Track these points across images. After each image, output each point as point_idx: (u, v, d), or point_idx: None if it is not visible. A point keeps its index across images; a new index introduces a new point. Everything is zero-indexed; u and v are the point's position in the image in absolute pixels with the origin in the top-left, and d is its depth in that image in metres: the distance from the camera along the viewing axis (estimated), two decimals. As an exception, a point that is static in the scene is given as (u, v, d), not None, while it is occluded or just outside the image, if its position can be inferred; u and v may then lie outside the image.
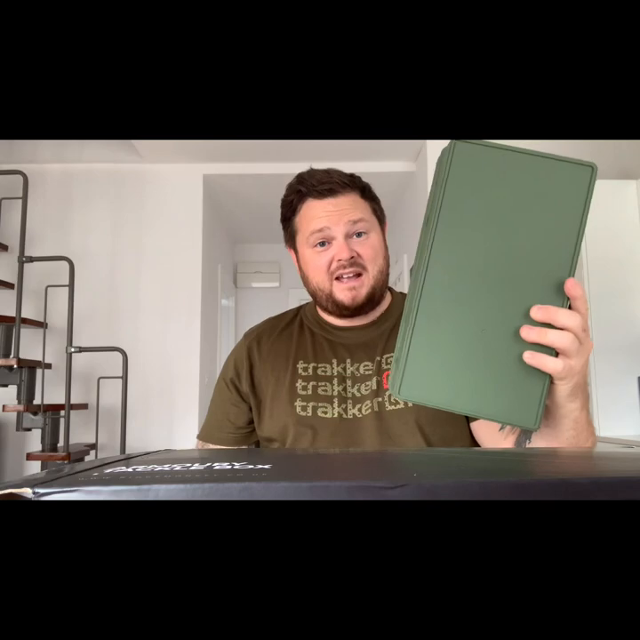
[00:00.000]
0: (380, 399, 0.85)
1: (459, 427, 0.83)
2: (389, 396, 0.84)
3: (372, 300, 0.88)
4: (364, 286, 0.86)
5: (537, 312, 0.48)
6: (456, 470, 0.27)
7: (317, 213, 0.86)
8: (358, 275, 0.86)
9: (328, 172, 0.88)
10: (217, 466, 0.26)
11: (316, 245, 0.87)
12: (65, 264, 3.03)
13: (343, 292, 0.86)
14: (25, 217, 3.03)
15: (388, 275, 0.91)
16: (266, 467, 0.25)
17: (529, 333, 0.48)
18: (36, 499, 0.22)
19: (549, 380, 0.51)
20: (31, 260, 3.00)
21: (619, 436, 2.31)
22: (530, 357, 0.48)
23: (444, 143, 0.55)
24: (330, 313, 0.91)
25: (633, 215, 2.52)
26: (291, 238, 0.95)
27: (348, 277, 0.86)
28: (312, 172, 0.89)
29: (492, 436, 0.80)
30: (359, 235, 0.86)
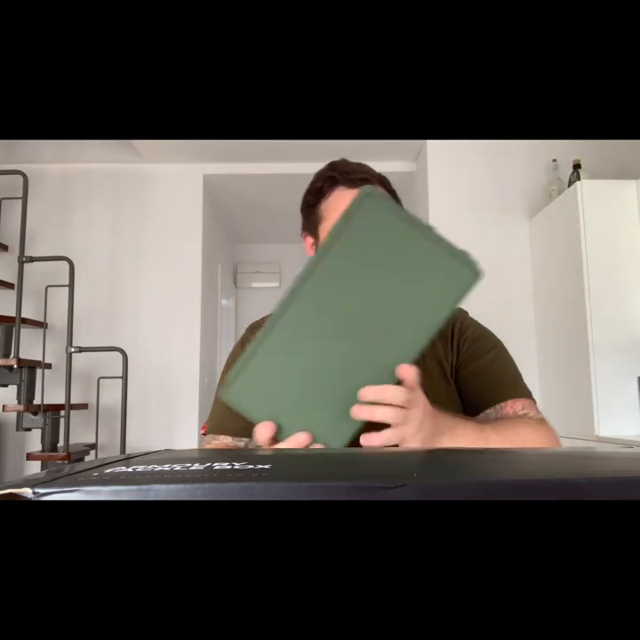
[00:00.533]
0: None
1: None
2: None
3: None
4: None
5: (366, 394, 0.53)
6: (456, 470, 0.27)
7: (348, 203, 0.84)
8: None
9: (360, 164, 0.89)
10: (217, 466, 0.26)
11: None
12: (65, 264, 3.03)
13: None
14: (25, 217, 3.03)
15: None
16: (266, 467, 0.25)
17: (359, 413, 0.53)
18: (35, 499, 0.22)
19: (358, 429, 0.55)
20: (31, 259, 3.00)
21: (619, 436, 2.31)
22: (358, 411, 0.54)
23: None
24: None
25: (633, 215, 2.52)
26: (312, 226, 0.92)
27: None
28: (345, 162, 0.89)
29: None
30: None
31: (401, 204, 0.93)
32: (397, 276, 0.54)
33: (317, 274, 0.54)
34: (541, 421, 0.78)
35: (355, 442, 0.57)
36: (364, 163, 0.93)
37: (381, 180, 0.89)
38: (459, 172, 3.11)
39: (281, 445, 0.56)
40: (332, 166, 0.89)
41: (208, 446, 0.92)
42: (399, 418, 0.55)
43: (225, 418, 0.92)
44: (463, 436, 0.65)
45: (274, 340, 0.55)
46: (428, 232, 0.53)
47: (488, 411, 0.81)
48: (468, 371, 0.86)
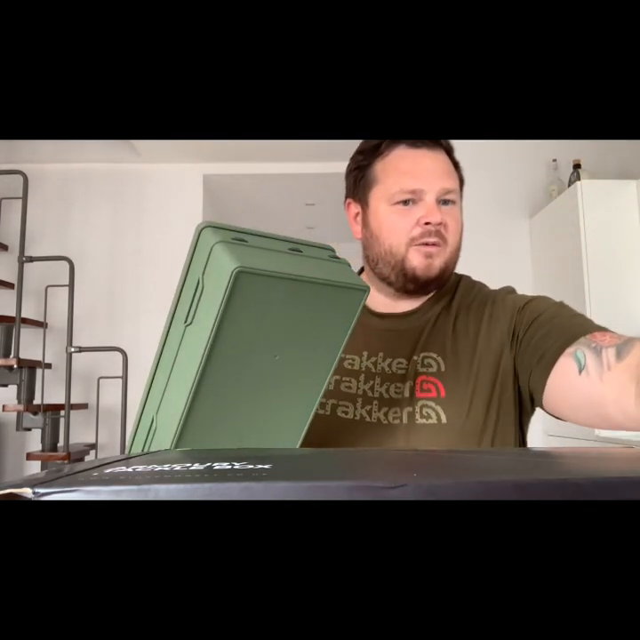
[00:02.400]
0: (410, 408, 0.74)
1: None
2: (422, 407, 0.74)
3: (441, 278, 0.77)
4: (440, 257, 0.75)
5: None
6: (456, 470, 0.27)
7: (412, 167, 0.75)
8: (437, 245, 0.75)
9: None
10: (217, 466, 0.26)
11: (398, 203, 0.75)
12: (65, 264, 3.03)
13: (419, 259, 0.74)
14: (25, 217, 3.03)
15: (458, 257, 0.80)
16: (266, 467, 0.25)
17: None
18: (36, 499, 0.22)
19: None
20: (31, 259, 3.01)
21: (619, 436, 2.31)
22: None
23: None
24: (390, 284, 0.79)
25: (633, 215, 2.52)
26: (362, 190, 0.80)
27: (428, 244, 0.74)
28: None
29: None
30: (446, 203, 0.76)
31: (461, 176, 0.82)
32: (290, 329, 0.54)
33: (214, 358, 0.52)
34: None
35: None
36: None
37: (445, 146, 0.80)
38: (459, 171, 3.10)
39: None
40: None
41: None
42: None
43: None
44: None
45: (190, 425, 0.54)
46: (302, 276, 0.52)
47: (577, 342, 0.66)
48: (527, 336, 0.73)
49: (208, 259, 0.51)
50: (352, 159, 0.83)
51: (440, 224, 0.74)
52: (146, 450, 0.55)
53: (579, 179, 2.66)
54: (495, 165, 3.12)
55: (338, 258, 0.59)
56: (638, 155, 2.91)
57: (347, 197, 0.84)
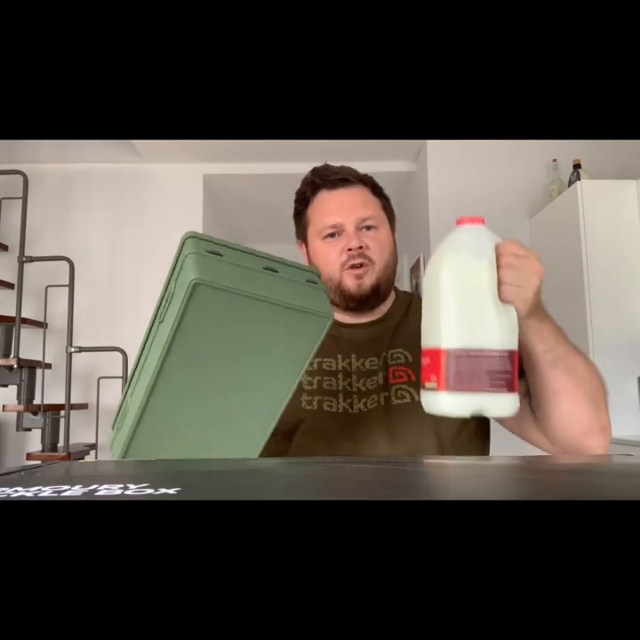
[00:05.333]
0: (386, 393, 0.85)
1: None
2: (396, 390, 0.85)
3: (377, 293, 0.89)
4: (368, 275, 0.88)
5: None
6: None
7: (330, 206, 0.89)
8: (365, 266, 0.88)
9: (342, 166, 0.93)
10: (104, 490, 0.24)
11: (326, 237, 0.89)
12: (65, 264, 3.03)
13: (351, 280, 0.87)
14: (25, 217, 3.02)
15: (394, 272, 0.92)
16: (171, 491, 0.23)
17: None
18: None
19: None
20: (31, 259, 3.00)
21: (619, 436, 2.31)
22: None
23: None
24: (336, 305, 0.91)
25: (633, 215, 2.52)
26: (302, 231, 0.95)
27: (355, 266, 0.87)
28: (326, 166, 0.93)
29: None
30: (368, 228, 0.89)
31: (388, 202, 0.95)
32: (247, 345, 0.56)
33: (166, 368, 0.55)
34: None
35: None
36: (360, 167, 0.96)
37: (362, 179, 0.92)
38: (459, 172, 3.10)
39: None
40: (314, 172, 0.93)
41: None
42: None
43: None
44: (546, 320, 0.70)
45: (146, 419, 0.57)
46: (264, 296, 0.54)
47: None
48: None
49: (181, 266, 0.55)
50: (294, 207, 0.97)
51: (361, 248, 0.87)
52: (116, 427, 0.60)
53: (579, 179, 2.66)
54: (495, 165, 3.12)
55: (316, 283, 0.61)
56: (638, 155, 2.91)
57: (297, 238, 0.99)
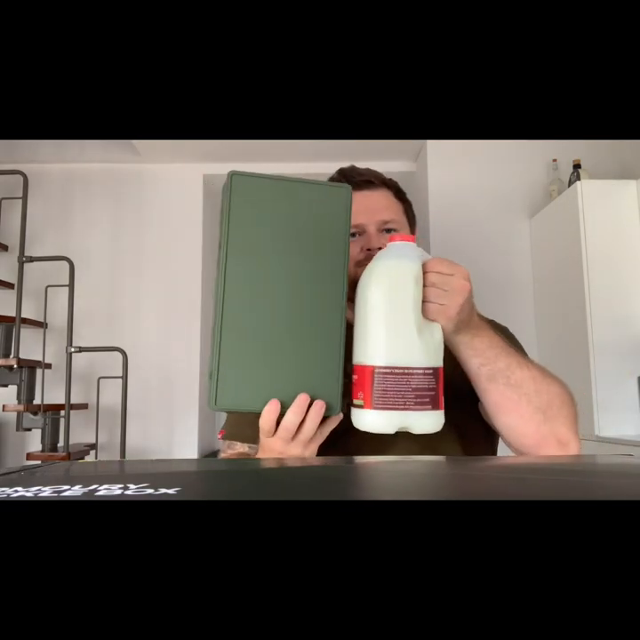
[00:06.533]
0: None
1: (466, 409, 0.83)
2: None
3: None
4: None
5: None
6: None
7: (354, 207, 0.90)
8: None
9: (367, 169, 0.95)
10: (103, 490, 0.24)
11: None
12: (65, 264, 3.03)
13: None
14: (25, 217, 3.02)
15: None
16: (171, 491, 0.23)
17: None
18: None
19: (342, 373, 0.62)
20: (31, 259, 3.00)
21: (618, 436, 2.31)
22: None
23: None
24: (352, 302, 0.92)
25: (633, 215, 2.52)
26: None
27: None
28: (352, 167, 0.95)
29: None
30: (389, 231, 0.90)
31: (410, 206, 0.98)
32: (295, 220, 0.62)
33: (231, 260, 0.61)
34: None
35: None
36: (370, 166, 0.98)
37: (385, 183, 0.94)
38: (459, 172, 3.10)
39: (287, 415, 0.60)
40: (340, 172, 0.95)
41: (224, 455, 0.91)
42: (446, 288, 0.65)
43: (239, 424, 0.91)
44: (480, 334, 0.70)
45: (226, 335, 0.60)
46: (294, 178, 0.62)
47: None
48: None
49: (226, 188, 0.62)
50: None
51: (380, 249, 0.89)
52: (210, 375, 0.61)
53: (579, 179, 2.66)
54: (495, 165, 3.12)
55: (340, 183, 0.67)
56: (638, 155, 2.91)
57: None
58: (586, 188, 2.54)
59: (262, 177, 0.61)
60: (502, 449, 0.85)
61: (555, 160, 3.04)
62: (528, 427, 0.71)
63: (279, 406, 0.60)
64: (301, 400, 0.60)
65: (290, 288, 0.61)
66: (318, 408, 0.61)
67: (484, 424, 0.85)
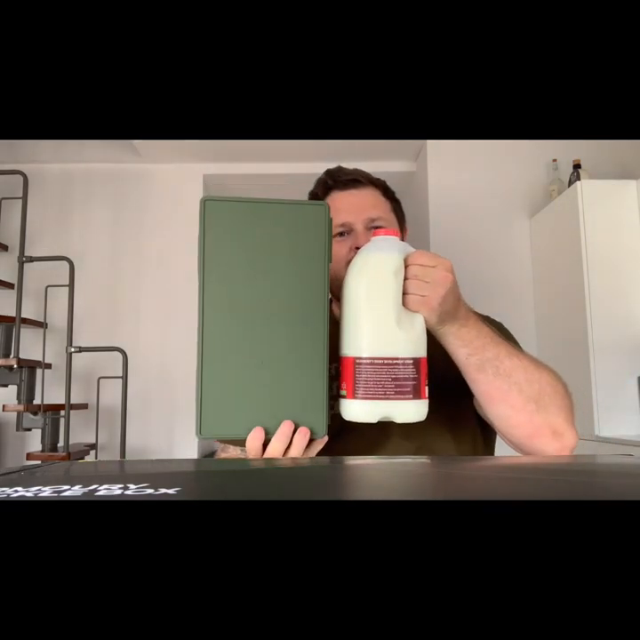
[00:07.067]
0: None
1: (461, 406, 0.84)
2: None
3: None
4: None
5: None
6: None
7: (340, 206, 0.90)
8: None
9: (354, 169, 0.95)
10: (103, 490, 0.24)
11: (335, 236, 0.89)
12: (65, 264, 3.03)
13: None
14: (25, 217, 3.02)
15: None
16: (171, 491, 0.23)
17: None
18: None
19: (327, 392, 0.62)
20: (31, 259, 3.00)
21: (618, 436, 2.31)
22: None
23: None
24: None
25: (633, 215, 2.52)
26: None
27: None
28: (339, 168, 0.95)
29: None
30: (378, 228, 0.91)
31: (399, 205, 0.98)
32: (272, 243, 0.61)
33: (208, 287, 0.62)
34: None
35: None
36: (360, 167, 0.99)
37: (373, 182, 0.94)
38: (459, 171, 3.10)
39: (272, 443, 0.61)
40: (326, 173, 0.95)
41: (219, 457, 0.92)
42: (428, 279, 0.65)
43: None
44: (467, 325, 0.70)
45: (207, 364, 0.62)
46: (268, 199, 0.61)
47: None
48: None
49: (201, 214, 0.61)
50: None
51: None
52: (197, 380, 0.63)
53: (579, 179, 2.66)
54: (495, 165, 3.12)
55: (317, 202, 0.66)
56: (638, 155, 2.91)
57: None
58: (586, 188, 2.54)
59: (237, 200, 0.60)
60: (503, 449, 0.85)
61: (555, 160, 3.04)
62: (520, 417, 0.71)
63: (263, 433, 0.60)
64: (285, 428, 0.60)
65: (270, 312, 0.61)
66: (302, 435, 0.61)
67: (481, 422, 0.85)
